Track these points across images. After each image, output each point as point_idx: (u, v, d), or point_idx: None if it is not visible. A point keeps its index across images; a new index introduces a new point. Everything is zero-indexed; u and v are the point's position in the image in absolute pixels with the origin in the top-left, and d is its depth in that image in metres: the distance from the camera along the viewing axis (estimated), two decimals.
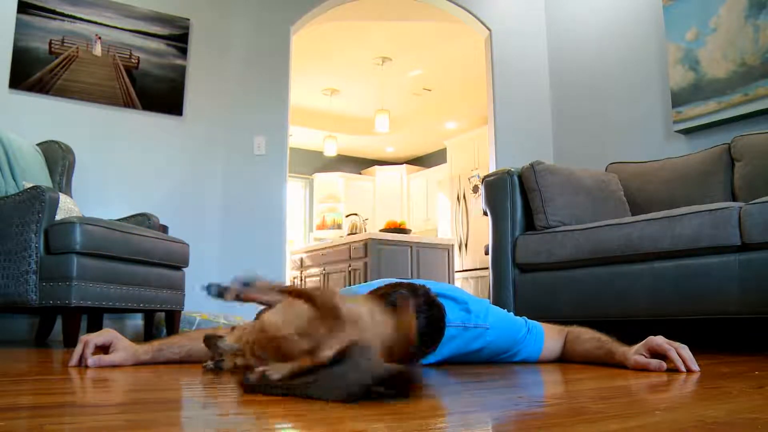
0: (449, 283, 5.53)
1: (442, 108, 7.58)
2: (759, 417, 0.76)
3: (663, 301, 2.15)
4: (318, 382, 0.81)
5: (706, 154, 2.86)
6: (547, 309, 2.56)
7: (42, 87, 3.36)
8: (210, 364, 0.95)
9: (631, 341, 1.40)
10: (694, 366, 1.23)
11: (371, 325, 0.98)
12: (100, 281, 2.51)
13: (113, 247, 2.58)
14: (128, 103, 3.60)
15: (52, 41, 3.40)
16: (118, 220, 3.01)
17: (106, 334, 1.42)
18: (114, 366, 1.36)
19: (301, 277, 6.31)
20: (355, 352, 0.86)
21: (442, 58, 6.16)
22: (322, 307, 0.94)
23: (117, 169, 3.53)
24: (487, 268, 2.85)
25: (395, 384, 0.80)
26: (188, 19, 3.84)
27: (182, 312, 3.10)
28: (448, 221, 7.38)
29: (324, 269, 5.97)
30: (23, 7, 3.34)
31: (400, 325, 0.99)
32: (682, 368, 1.24)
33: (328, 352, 0.91)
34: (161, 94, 3.71)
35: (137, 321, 3.46)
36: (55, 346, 2.52)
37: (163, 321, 3.08)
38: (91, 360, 1.33)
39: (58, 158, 3.11)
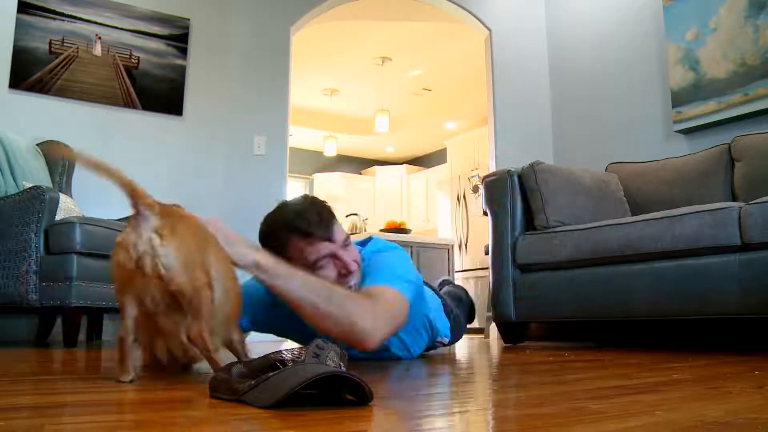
0: None
1: (442, 108, 7.58)
2: (759, 417, 0.76)
3: (663, 301, 2.15)
4: (258, 387, 0.80)
5: (706, 154, 2.86)
6: (547, 309, 2.56)
7: (42, 87, 3.35)
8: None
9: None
10: None
11: None
12: (100, 281, 2.51)
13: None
14: (128, 103, 3.60)
15: (52, 41, 3.40)
16: (118, 220, 3.01)
17: None
18: None
19: None
20: (311, 354, 0.86)
21: (442, 58, 6.16)
22: None
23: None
24: (487, 268, 2.85)
25: (326, 386, 0.78)
26: (188, 19, 3.84)
27: None
28: (448, 221, 7.38)
29: None
30: (23, 7, 3.34)
31: None
32: None
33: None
34: (161, 94, 3.71)
35: None
36: (55, 346, 2.52)
37: None
38: None
39: (58, 158, 3.11)
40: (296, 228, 1.31)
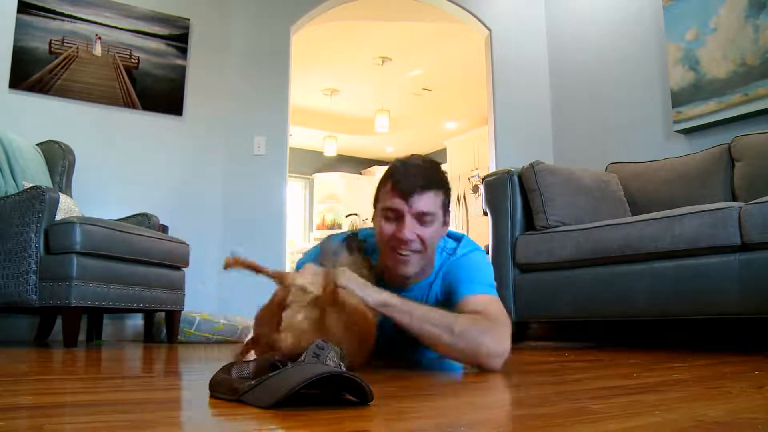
0: None
1: (442, 108, 7.58)
2: (759, 417, 0.76)
3: (663, 301, 2.15)
4: (258, 387, 0.80)
5: (706, 154, 2.86)
6: (547, 309, 2.56)
7: (42, 87, 3.35)
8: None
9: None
10: None
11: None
12: (100, 281, 2.51)
13: (113, 247, 2.58)
14: (128, 103, 3.60)
15: (52, 41, 3.40)
16: (118, 220, 3.01)
17: None
18: None
19: None
20: (311, 354, 0.86)
21: (442, 58, 6.16)
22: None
23: (117, 169, 3.53)
24: None
25: (326, 386, 0.78)
26: (188, 19, 3.84)
27: (182, 312, 3.10)
28: None
29: None
30: (23, 7, 3.34)
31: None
32: None
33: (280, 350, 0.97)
34: (161, 94, 3.71)
35: (137, 321, 3.46)
36: (55, 346, 2.52)
37: (164, 321, 3.08)
38: None
39: (58, 158, 3.11)
40: (393, 175, 1.35)
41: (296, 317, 1.12)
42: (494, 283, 1.46)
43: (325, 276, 1.18)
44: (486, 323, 1.27)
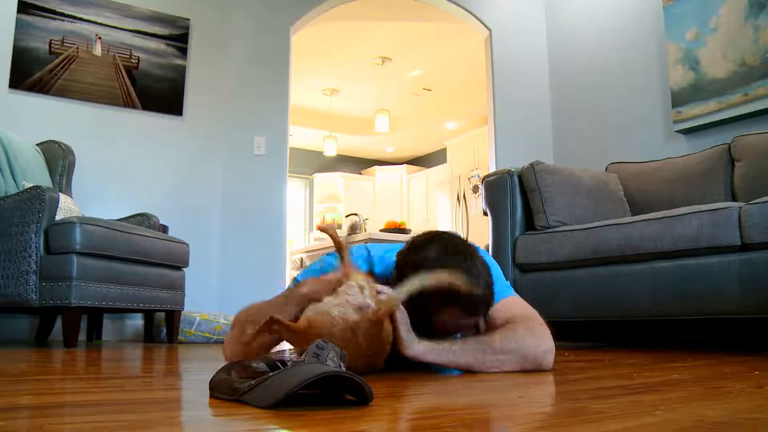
0: None
1: (442, 108, 7.58)
2: (759, 417, 0.76)
3: (663, 301, 2.15)
4: (258, 387, 0.80)
5: (706, 154, 2.86)
6: (547, 309, 2.54)
7: (42, 87, 3.35)
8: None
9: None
10: None
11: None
12: (100, 281, 2.51)
13: (113, 247, 2.58)
14: (128, 103, 3.60)
15: (52, 41, 3.40)
16: (118, 220, 3.01)
17: None
18: None
19: None
20: (311, 354, 0.86)
21: (442, 58, 6.16)
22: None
23: (117, 169, 3.53)
24: None
25: (326, 386, 0.78)
26: (188, 19, 3.84)
27: (182, 312, 3.10)
28: (448, 221, 7.38)
29: None
30: (23, 7, 3.34)
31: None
32: None
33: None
34: (161, 94, 3.71)
35: (137, 321, 3.46)
36: (55, 346, 2.52)
37: (164, 321, 3.08)
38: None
39: (58, 158, 3.11)
40: (462, 305, 1.22)
41: (333, 308, 1.08)
42: (507, 281, 1.44)
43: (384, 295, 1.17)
44: (520, 327, 1.28)
